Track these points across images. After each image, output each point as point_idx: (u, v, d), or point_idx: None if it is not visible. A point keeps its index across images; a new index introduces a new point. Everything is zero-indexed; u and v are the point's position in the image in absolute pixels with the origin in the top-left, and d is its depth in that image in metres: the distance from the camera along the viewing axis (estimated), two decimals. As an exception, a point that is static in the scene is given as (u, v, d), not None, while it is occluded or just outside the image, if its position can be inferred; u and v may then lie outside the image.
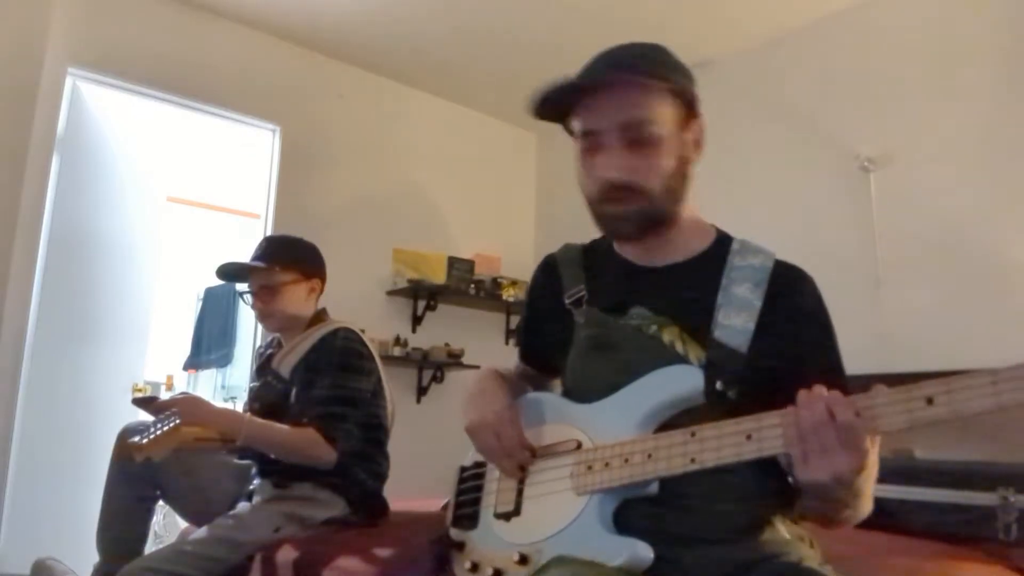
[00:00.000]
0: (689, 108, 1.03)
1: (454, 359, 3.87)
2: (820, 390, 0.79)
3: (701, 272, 1.03)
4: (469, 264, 3.98)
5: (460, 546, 1.07)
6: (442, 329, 3.98)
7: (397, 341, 3.75)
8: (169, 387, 4.44)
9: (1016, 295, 2.56)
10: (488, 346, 4.07)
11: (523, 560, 0.95)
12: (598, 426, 1.00)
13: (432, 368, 3.91)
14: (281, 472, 1.87)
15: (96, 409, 3.11)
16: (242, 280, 2.10)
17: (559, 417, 1.06)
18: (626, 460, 0.92)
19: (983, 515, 1.76)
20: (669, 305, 1.02)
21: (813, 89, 3.32)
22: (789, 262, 1.05)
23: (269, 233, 3.46)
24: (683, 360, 0.98)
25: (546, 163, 4.61)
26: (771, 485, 0.98)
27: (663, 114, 0.99)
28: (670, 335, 1.00)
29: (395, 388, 2.19)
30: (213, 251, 4.46)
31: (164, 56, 3.29)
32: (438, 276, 3.85)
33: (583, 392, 1.06)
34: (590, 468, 0.96)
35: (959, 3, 2.90)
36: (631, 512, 0.93)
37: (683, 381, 0.95)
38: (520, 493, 1.03)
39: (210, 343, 4.92)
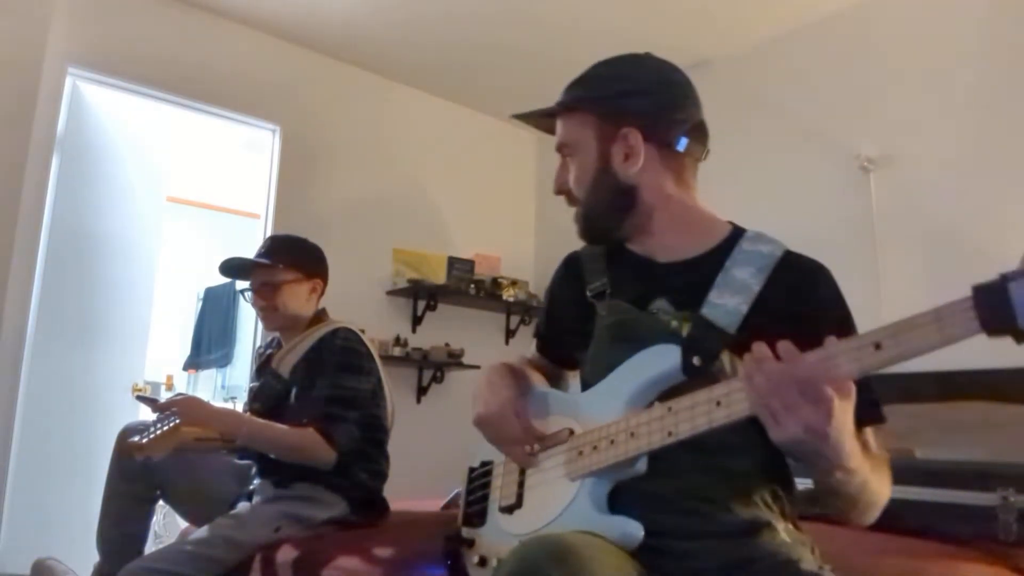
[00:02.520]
0: (613, 123, 1.09)
1: (454, 359, 3.87)
2: (763, 350, 0.80)
3: (714, 263, 1.05)
4: (469, 264, 3.98)
5: (470, 543, 1.10)
6: (442, 329, 3.98)
7: (397, 341, 3.75)
8: (169, 387, 4.44)
9: (1016, 295, 2.56)
10: (488, 346, 4.07)
11: None
12: (588, 413, 1.02)
13: (432, 368, 3.90)
14: (281, 472, 1.87)
15: (96, 409, 3.11)
16: (244, 277, 2.10)
17: (556, 409, 1.09)
18: (612, 441, 0.95)
19: (983, 515, 1.76)
20: (689, 299, 1.03)
21: (813, 89, 3.31)
22: (802, 254, 1.07)
23: (270, 233, 3.46)
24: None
25: (546, 163, 4.60)
26: (772, 487, 1.00)
27: (574, 135, 1.13)
28: (687, 328, 1.01)
29: (395, 388, 2.19)
30: (213, 251, 4.46)
31: (164, 56, 3.29)
32: (438, 276, 3.85)
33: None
34: (580, 453, 0.98)
35: (958, 3, 2.90)
36: (630, 504, 0.95)
37: (662, 359, 0.97)
38: (521, 485, 1.06)
39: (210, 343, 4.93)
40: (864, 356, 0.75)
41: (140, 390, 3.24)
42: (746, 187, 3.40)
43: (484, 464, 1.17)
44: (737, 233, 1.10)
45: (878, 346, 0.75)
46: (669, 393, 0.95)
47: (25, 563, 1.90)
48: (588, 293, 1.14)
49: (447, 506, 2.45)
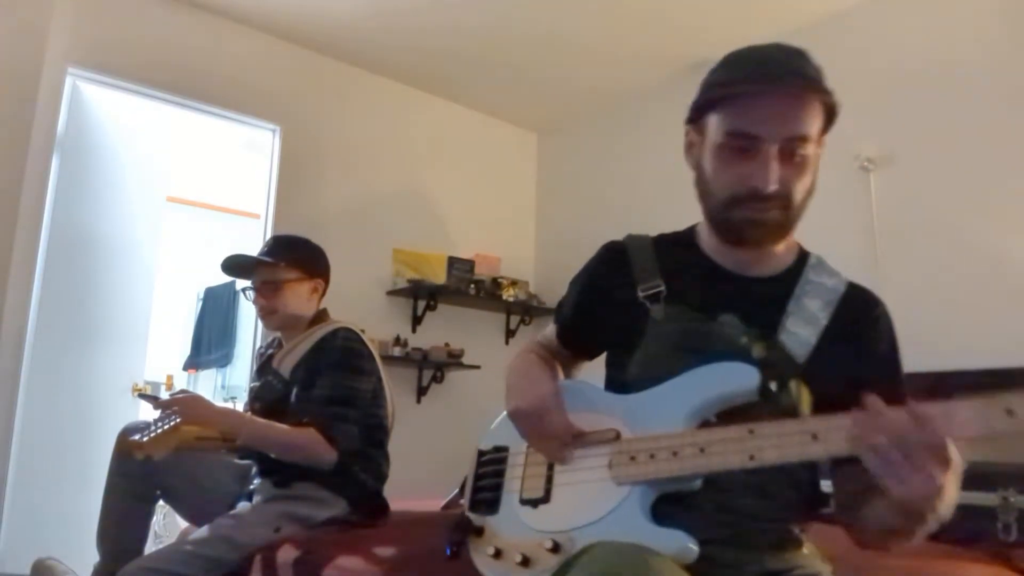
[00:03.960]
0: (828, 125, 1.02)
1: (454, 359, 3.87)
2: (879, 404, 0.78)
3: (785, 288, 1.04)
4: (469, 264, 3.98)
5: (479, 531, 1.05)
6: (442, 329, 3.98)
7: (397, 341, 3.75)
8: (169, 387, 4.43)
9: (1016, 295, 2.56)
10: (488, 346, 4.07)
11: (556, 548, 0.93)
12: (639, 417, 0.98)
13: (432, 368, 3.90)
14: (281, 472, 1.87)
15: (96, 409, 3.11)
16: (246, 275, 2.09)
17: (596, 406, 1.04)
18: (675, 453, 0.91)
19: (983, 515, 1.76)
20: (763, 320, 1.01)
21: (813, 89, 3.31)
22: (862, 286, 1.07)
23: (270, 233, 3.46)
24: None
25: (546, 163, 4.61)
26: (806, 507, 1.02)
27: (816, 131, 1.00)
28: (759, 350, 0.99)
29: (395, 388, 2.19)
30: (213, 251, 4.46)
31: (164, 56, 3.29)
32: (438, 276, 3.85)
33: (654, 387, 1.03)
34: (633, 459, 0.94)
35: (958, 3, 2.90)
36: (671, 514, 0.92)
37: (740, 377, 0.94)
38: (550, 480, 1.02)
39: (210, 343, 4.93)
40: (994, 419, 0.74)
41: (140, 390, 3.24)
42: (746, 187, 3.40)
43: (497, 449, 1.12)
44: (803, 256, 1.09)
45: (1010, 412, 0.73)
46: (726, 414, 0.93)
47: (25, 563, 1.90)
48: (640, 292, 1.07)
49: (447, 506, 2.45)
